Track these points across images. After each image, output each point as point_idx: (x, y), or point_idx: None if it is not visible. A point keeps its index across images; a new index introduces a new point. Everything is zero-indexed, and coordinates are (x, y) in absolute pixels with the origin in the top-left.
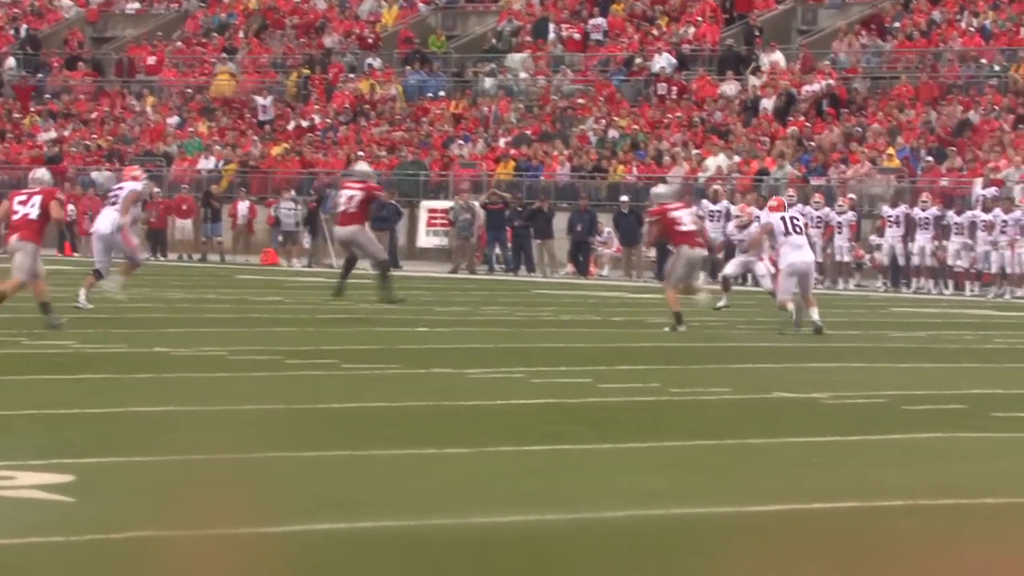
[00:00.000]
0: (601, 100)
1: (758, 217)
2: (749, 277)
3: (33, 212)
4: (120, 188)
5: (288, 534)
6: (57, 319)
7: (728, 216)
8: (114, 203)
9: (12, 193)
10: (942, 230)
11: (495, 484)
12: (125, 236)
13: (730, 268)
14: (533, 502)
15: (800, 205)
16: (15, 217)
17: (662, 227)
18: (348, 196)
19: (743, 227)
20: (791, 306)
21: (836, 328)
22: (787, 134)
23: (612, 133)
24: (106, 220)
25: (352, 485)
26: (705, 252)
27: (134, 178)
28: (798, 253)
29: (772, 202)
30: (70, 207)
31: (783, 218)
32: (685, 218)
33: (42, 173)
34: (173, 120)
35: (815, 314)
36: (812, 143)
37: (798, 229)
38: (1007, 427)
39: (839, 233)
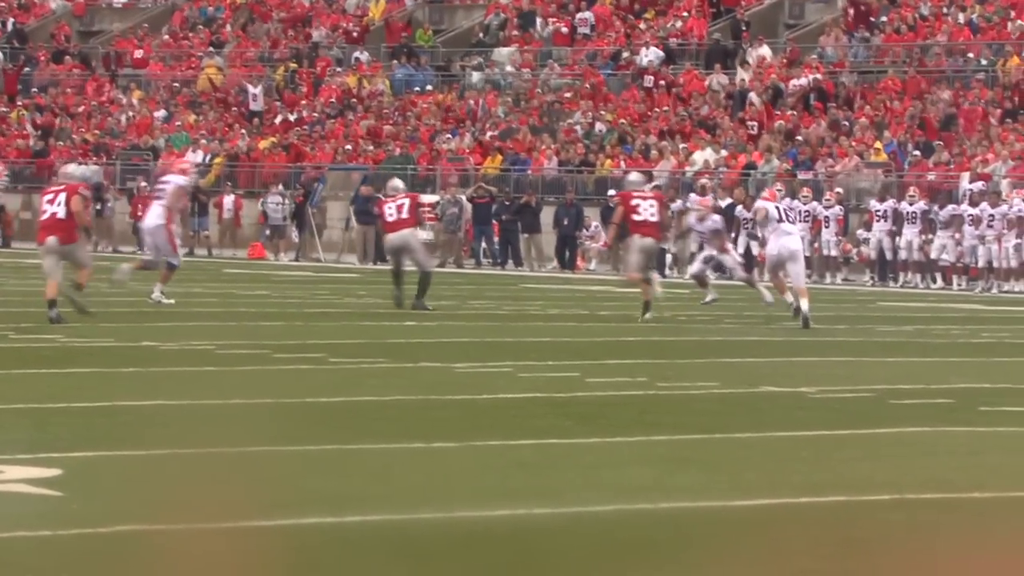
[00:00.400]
0: (588, 87)
1: (722, 207)
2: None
3: (61, 211)
4: (167, 182)
5: (275, 528)
6: (59, 315)
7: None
8: (159, 197)
9: (43, 191)
10: (929, 224)
11: (483, 478)
12: (169, 235)
13: (696, 266)
14: (521, 496)
15: (788, 199)
16: (44, 217)
17: (621, 212)
18: (397, 206)
19: (702, 219)
20: (789, 297)
21: (823, 322)
22: (774, 127)
23: (599, 127)
24: (153, 215)
25: (339, 479)
26: (657, 241)
27: (181, 171)
28: (785, 239)
29: (764, 193)
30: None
31: (778, 207)
32: (644, 208)
33: (72, 168)
34: (160, 114)
35: (804, 305)
36: (799, 137)
37: (791, 218)
38: (994, 421)
39: (826, 227)
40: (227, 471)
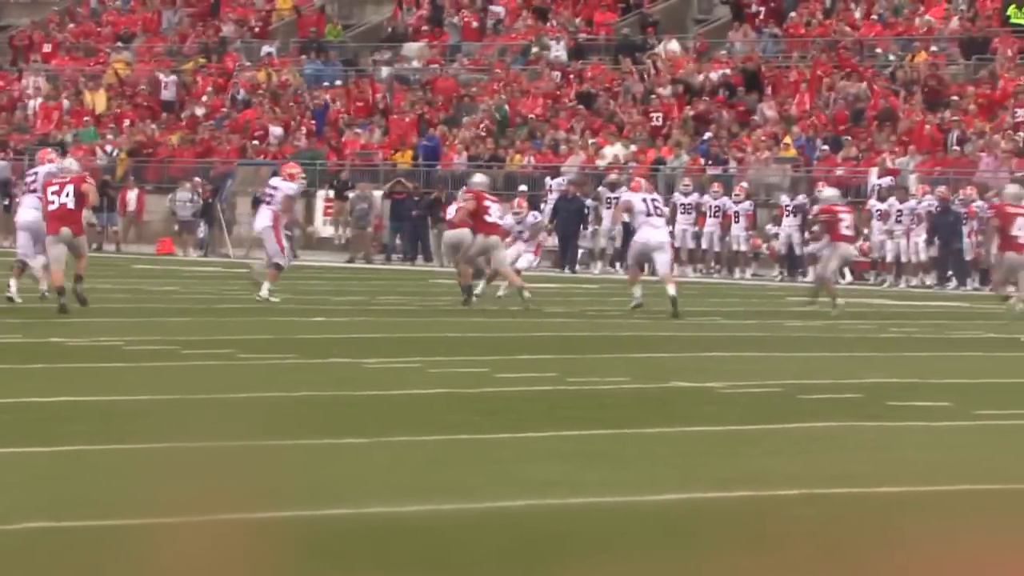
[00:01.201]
0: (500, 73)
1: (533, 212)
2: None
3: (70, 201)
4: (276, 188)
5: (184, 525)
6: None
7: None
8: (268, 202)
9: (45, 183)
10: None
11: (393, 474)
12: (277, 237)
13: (521, 262)
14: (431, 492)
15: (696, 194)
16: (52, 207)
17: (475, 210)
18: (457, 207)
19: (520, 220)
20: (637, 291)
21: (733, 317)
22: (682, 119)
23: (496, 115)
24: (263, 218)
25: (249, 475)
26: (497, 239)
27: (290, 176)
28: (655, 232)
29: (632, 183)
30: None
31: (645, 199)
32: (493, 210)
33: (70, 162)
34: (65, 104)
35: (672, 290)
36: (709, 132)
37: (659, 211)
38: (903, 416)
39: (736, 222)
40: (136, 468)
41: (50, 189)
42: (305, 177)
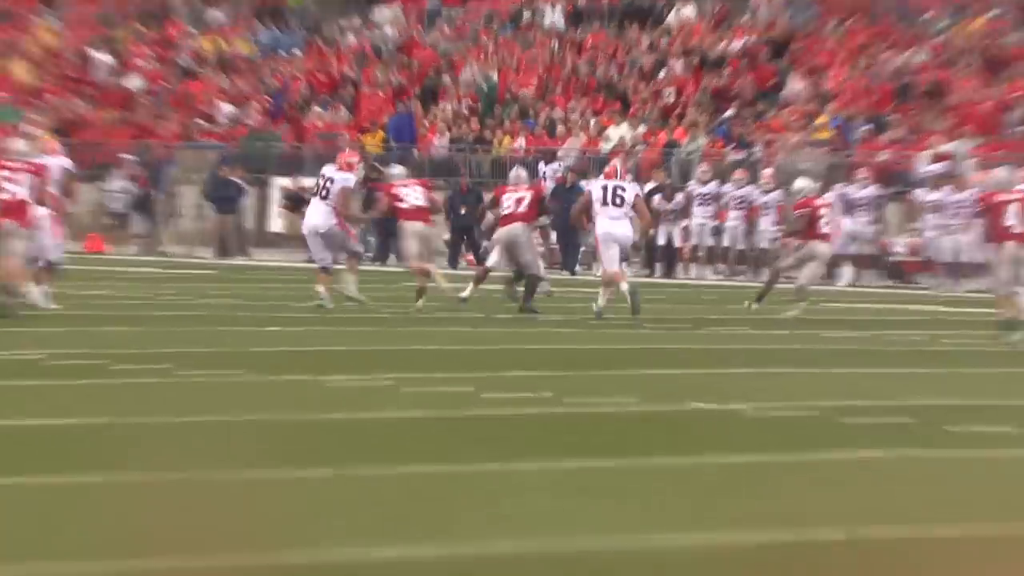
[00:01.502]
0: (486, 41)
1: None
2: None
3: (25, 193)
4: (330, 180)
5: (108, 572)
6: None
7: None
8: (324, 196)
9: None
10: (881, 212)
11: (361, 511)
12: (343, 228)
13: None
14: (406, 531)
15: (716, 183)
16: (3, 195)
17: (386, 202)
18: (517, 199)
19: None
20: (624, 285)
21: (761, 327)
22: (698, 95)
23: (481, 83)
24: (318, 215)
25: (188, 514)
26: (431, 227)
27: (348, 166)
28: (615, 224)
29: (607, 168)
30: None
31: (605, 187)
32: (409, 195)
33: (21, 143)
34: None
35: (625, 286)
36: (731, 110)
37: (618, 201)
38: (960, 443)
39: (764, 215)
40: (55, 504)
41: (1, 173)
42: (362, 166)
